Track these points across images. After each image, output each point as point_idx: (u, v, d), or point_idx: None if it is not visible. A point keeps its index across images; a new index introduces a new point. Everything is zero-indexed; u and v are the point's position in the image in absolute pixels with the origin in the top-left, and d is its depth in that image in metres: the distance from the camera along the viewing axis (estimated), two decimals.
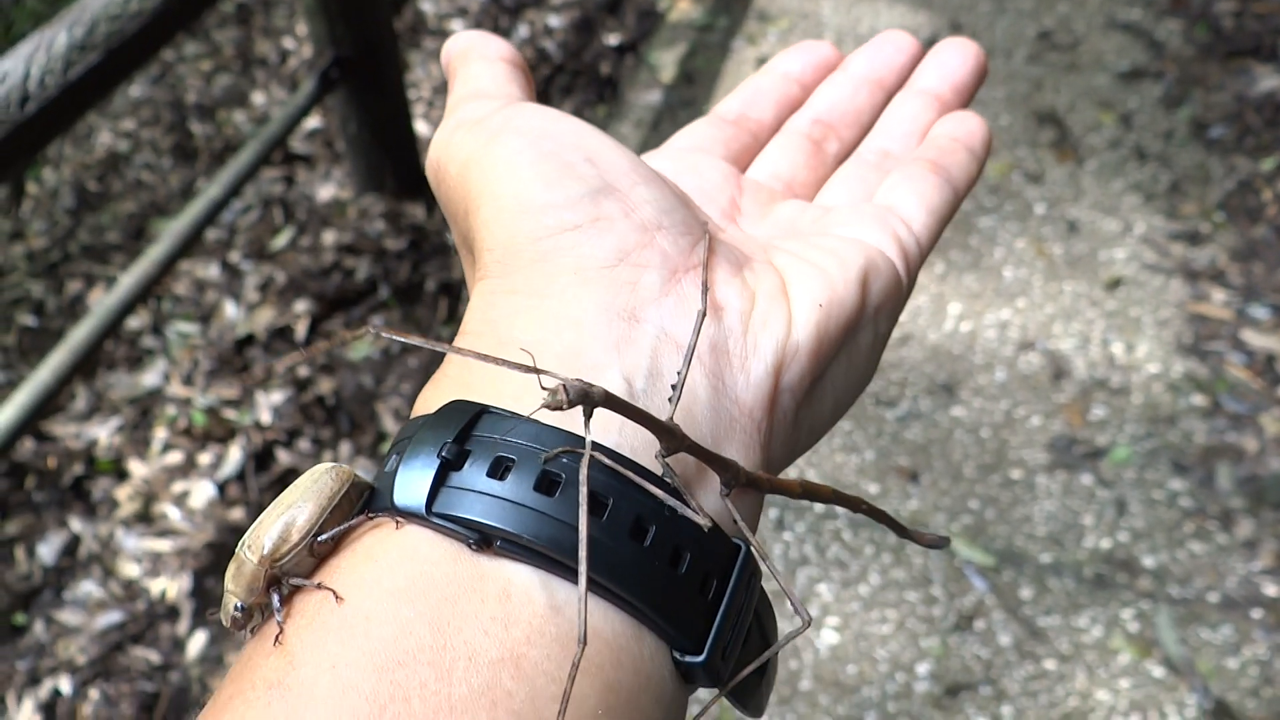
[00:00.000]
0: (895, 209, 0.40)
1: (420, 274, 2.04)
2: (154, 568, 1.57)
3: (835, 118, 0.46)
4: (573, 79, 2.60)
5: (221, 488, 1.66)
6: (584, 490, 0.26)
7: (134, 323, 1.97)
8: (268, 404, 1.78)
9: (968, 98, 0.46)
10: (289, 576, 0.28)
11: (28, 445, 1.75)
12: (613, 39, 2.71)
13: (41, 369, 1.41)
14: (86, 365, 1.48)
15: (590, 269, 0.32)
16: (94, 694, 1.45)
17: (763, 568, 0.32)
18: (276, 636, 0.26)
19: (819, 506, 1.63)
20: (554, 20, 2.78)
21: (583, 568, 0.25)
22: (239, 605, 0.28)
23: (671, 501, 0.28)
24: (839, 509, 1.62)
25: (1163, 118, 2.29)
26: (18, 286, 2.17)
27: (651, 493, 0.28)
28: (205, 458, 1.70)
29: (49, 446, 1.76)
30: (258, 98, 2.63)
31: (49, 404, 1.42)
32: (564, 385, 0.26)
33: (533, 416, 0.28)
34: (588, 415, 0.27)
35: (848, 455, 1.70)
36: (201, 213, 1.64)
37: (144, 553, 1.59)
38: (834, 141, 0.45)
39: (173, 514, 1.63)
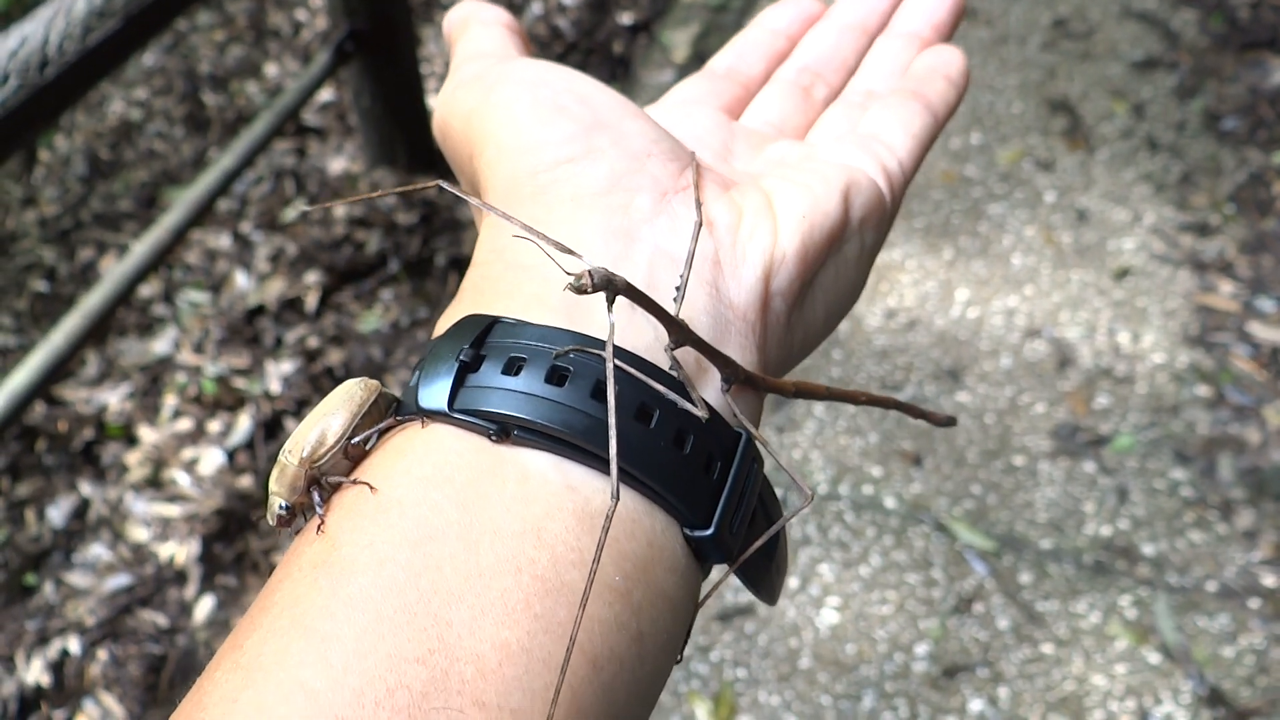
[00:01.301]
0: (878, 135, 0.42)
1: (430, 248, 2.04)
2: (163, 532, 1.59)
3: (821, 65, 0.48)
4: (585, 57, 2.60)
5: (231, 455, 1.68)
6: (610, 365, 0.27)
7: (145, 290, 1.98)
8: (277, 374, 1.79)
9: (948, 34, 0.48)
10: (327, 476, 0.30)
11: (39, 409, 1.77)
12: (626, 18, 2.71)
13: (55, 333, 1.42)
14: (98, 331, 1.49)
15: (586, 196, 0.34)
16: (102, 655, 1.47)
17: (764, 455, 0.34)
18: (319, 526, 0.29)
19: (822, 488, 1.64)
20: None
21: (612, 434, 0.27)
22: (283, 505, 0.31)
23: (672, 395, 0.30)
24: (845, 492, 1.64)
25: (1175, 108, 2.28)
26: (30, 252, 2.18)
27: (653, 386, 0.30)
28: (215, 425, 1.72)
29: (60, 411, 1.78)
30: (270, 69, 2.63)
31: (61, 369, 1.44)
32: (590, 271, 0.28)
33: (540, 323, 0.31)
34: (610, 301, 0.29)
35: (851, 438, 1.71)
36: (214, 182, 1.65)
37: (153, 517, 1.61)
38: (822, 86, 0.47)
39: (182, 480, 1.65)
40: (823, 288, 0.38)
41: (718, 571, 0.33)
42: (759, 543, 0.32)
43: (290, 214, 2.13)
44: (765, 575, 0.34)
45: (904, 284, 1.95)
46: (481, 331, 0.31)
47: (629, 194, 0.35)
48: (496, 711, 0.24)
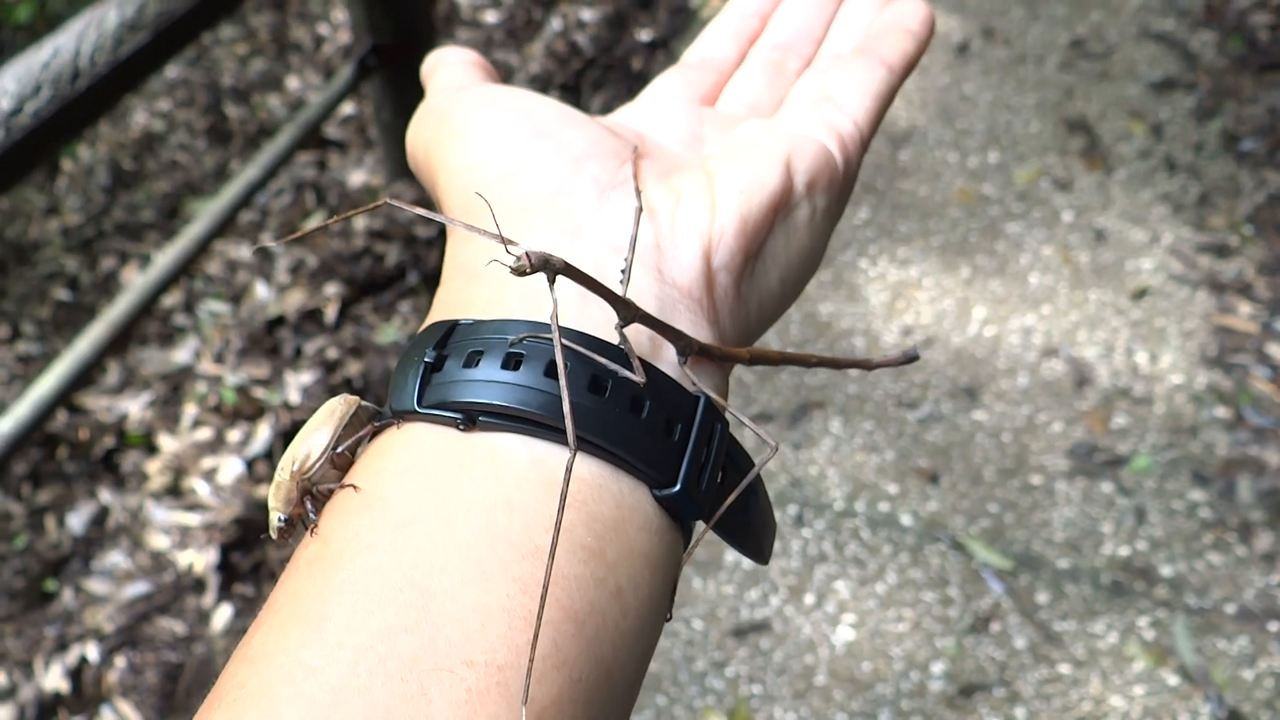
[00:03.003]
0: (834, 97, 0.43)
1: None
2: (182, 540, 1.60)
3: (792, 38, 0.49)
4: (604, 73, 2.62)
5: (250, 465, 1.69)
6: (556, 336, 0.29)
7: (167, 300, 1.99)
8: (296, 384, 1.80)
9: None
10: (318, 486, 0.33)
11: (60, 417, 1.78)
12: (644, 34, 2.72)
13: (80, 342, 1.43)
14: (120, 340, 1.50)
15: (531, 204, 0.37)
16: (120, 662, 1.48)
17: (727, 416, 0.35)
18: (312, 529, 0.31)
19: (838, 504, 1.64)
20: (586, 14, 2.80)
21: (565, 395, 0.29)
22: (281, 517, 0.33)
23: (613, 366, 0.31)
24: (861, 509, 1.63)
25: (1194, 129, 2.28)
26: (53, 261, 2.20)
27: (595, 359, 0.31)
28: (234, 435, 1.73)
29: (81, 419, 1.79)
30: (292, 83, 2.65)
31: (84, 377, 1.45)
32: (527, 253, 0.29)
33: (495, 318, 0.33)
34: (551, 280, 0.30)
35: (868, 455, 1.71)
36: (238, 194, 1.67)
37: (172, 525, 1.61)
38: (794, 60, 0.49)
39: (201, 489, 1.66)
40: (773, 256, 0.39)
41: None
42: (731, 497, 0.34)
43: (311, 226, 2.15)
44: (747, 532, 0.36)
45: (921, 302, 1.95)
46: (444, 335, 0.33)
47: (570, 196, 0.37)
48: (483, 668, 0.26)
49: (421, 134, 0.42)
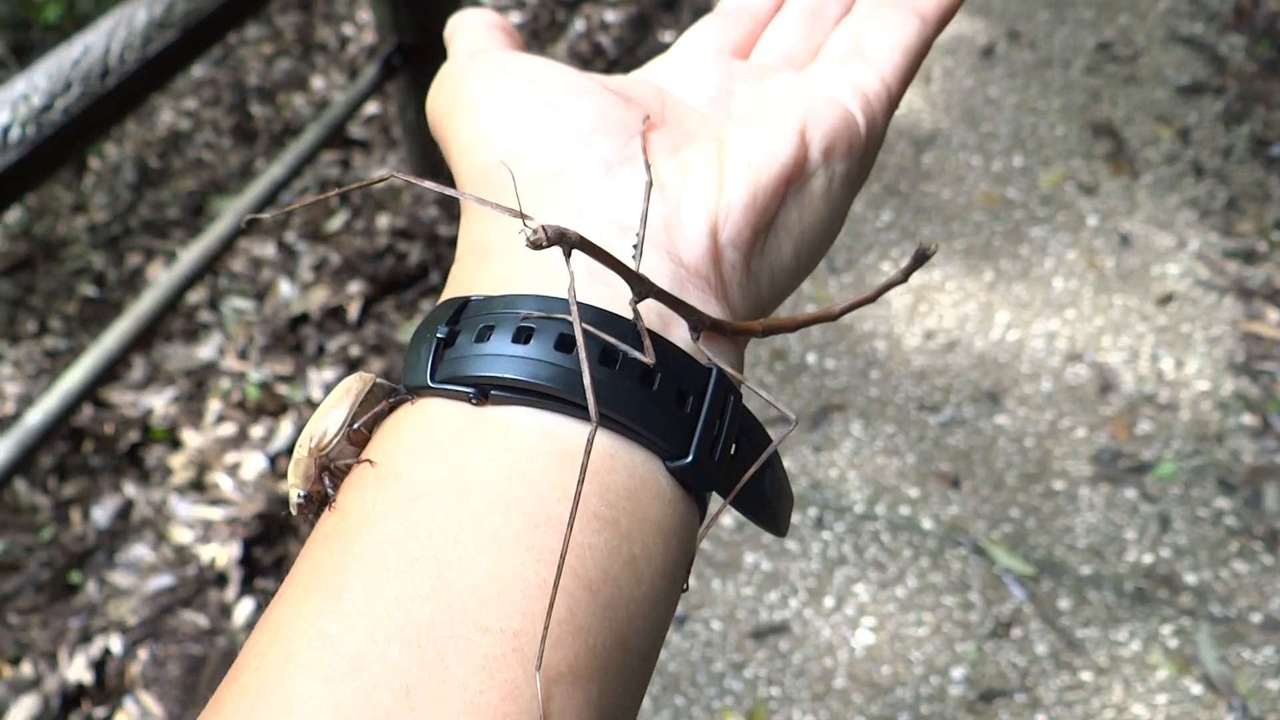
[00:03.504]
0: (863, 51, 0.42)
1: None
2: (205, 534, 1.61)
3: None
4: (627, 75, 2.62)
5: (272, 460, 1.70)
6: (574, 308, 0.29)
7: (192, 297, 2.01)
8: (319, 381, 1.81)
9: None
10: (335, 462, 0.33)
11: (86, 411, 1.80)
12: (668, 36, 2.72)
13: (106, 337, 1.45)
14: (146, 336, 1.52)
15: (539, 182, 0.36)
16: (143, 654, 1.49)
17: (742, 389, 0.36)
18: (330, 503, 0.31)
19: (859, 507, 1.64)
20: (610, 15, 2.80)
21: (584, 366, 0.29)
22: (301, 494, 0.33)
23: (623, 346, 0.31)
24: (882, 512, 1.63)
25: (1222, 134, 2.26)
26: (80, 258, 2.22)
27: (606, 339, 0.31)
28: (257, 430, 1.74)
29: (106, 413, 1.81)
30: (317, 82, 2.67)
31: (110, 372, 1.46)
32: (543, 227, 0.30)
33: (505, 294, 0.33)
34: (567, 255, 0.31)
35: (889, 458, 1.71)
36: (263, 192, 1.68)
37: (195, 520, 1.63)
38: (833, 5, 0.47)
39: (224, 483, 1.67)
40: (786, 228, 0.38)
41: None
42: (751, 470, 0.34)
43: (335, 224, 2.16)
44: (762, 504, 0.36)
45: (944, 305, 1.94)
46: (456, 311, 0.33)
47: (577, 174, 0.36)
48: (499, 635, 0.27)
49: (438, 105, 0.42)
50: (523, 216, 0.30)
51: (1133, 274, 1.97)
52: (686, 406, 0.32)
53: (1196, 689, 1.41)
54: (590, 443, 0.28)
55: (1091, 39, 2.56)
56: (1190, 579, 1.52)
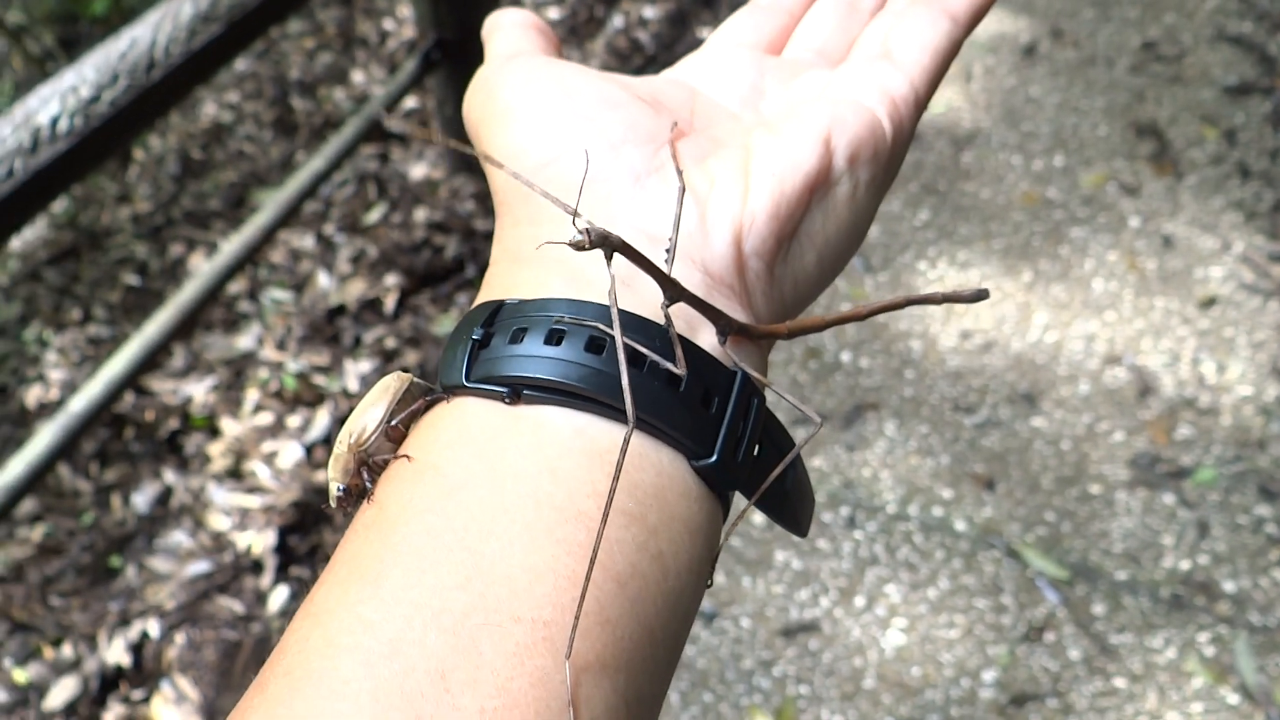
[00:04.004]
0: (891, 52, 0.42)
1: None
2: (241, 522, 1.63)
3: None
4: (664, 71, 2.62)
5: (309, 450, 1.72)
6: (615, 310, 0.31)
7: (232, 287, 2.04)
8: (355, 372, 1.83)
9: None
10: (374, 457, 0.34)
11: (128, 398, 1.83)
12: (705, 32, 2.72)
13: (148, 326, 1.47)
14: (187, 325, 1.54)
15: (570, 191, 0.37)
16: (180, 638, 1.52)
17: (766, 393, 0.36)
18: (369, 496, 0.33)
19: (891, 507, 1.63)
20: (649, 11, 2.80)
21: (623, 367, 0.30)
22: (340, 487, 0.35)
23: (653, 356, 0.32)
24: (914, 513, 1.62)
25: (1270, 135, 2.22)
26: (123, 247, 2.26)
27: (637, 349, 0.32)
28: (294, 420, 1.76)
29: (147, 401, 1.84)
30: (357, 76, 2.69)
31: (151, 360, 1.49)
32: (588, 230, 0.31)
33: (538, 297, 0.34)
34: (608, 258, 0.32)
35: (922, 458, 1.69)
36: (303, 185, 1.70)
37: (233, 507, 1.65)
38: None
39: (261, 472, 1.69)
40: (809, 236, 0.39)
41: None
42: (776, 471, 0.35)
43: (373, 217, 2.18)
44: (784, 504, 0.37)
45: (980, 305, 1.92)
46: (490, 314, 0.34)
47: (607, 183, 0.37)
48: (530, 624, 0.28)
49: (473, 111, 0.43)
50: (575, 213, 0.31)
51: (1175, 276, 1.95)
52: (712, 408, 0.33)
53: (1233, 698, 1.39)
54: (626, 443, 0.29)
55: (1136, 37, 2.52)
56: (1228, 586, 1.50)
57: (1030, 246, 2.03)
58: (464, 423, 0.32)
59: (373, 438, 0.35)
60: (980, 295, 0.39)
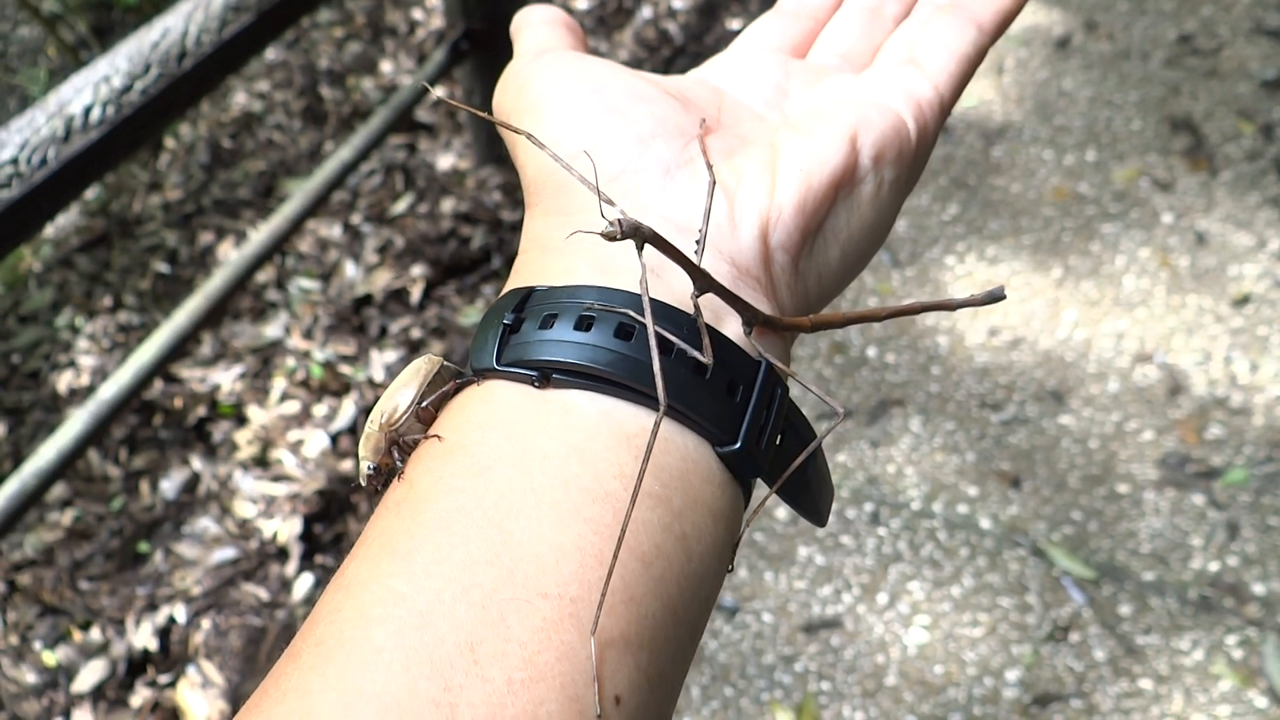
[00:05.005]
0: (917, 58, 0.43)
1: None
2: (268, 510, 1.65)
3: None
4: (693, 62, 2.61)
5: (334, 439, 1.73)
6: (646, 299, 0.31)
7: (260, 276, 2.05)
8: (381, 362, 1.84)
9: None
10: (404, 437, 0.35)
11: (157, 386, 1.85)
12: (735, 23, 2.71)
13: (177, 314, 1.48)
14: (215, 313, 1.55)
15: (601, 183, 0.38)
16: (206, 624, 1.53)
17: (790, 383, 0.37)
18: (399, 475, 0.34)
19: (916, 504, 1.62)
20: (678, 2, 2.79)
21: (655, 354, 0.31)
22: (370, 466, 0.36)
23: (681, 344, 0.33)
24: (939, 510, 1.61)
25: None
26: (154, 235, 2.28)
27: (667, 337, 0.33)
28: (320, 409, 1.77)
29: (175, 388, 1.86)
30: (386, 66, 2.70)
31: (180, 348, 1.50)
32: (620, 220, 0.31)
33: (568, 284, 0.35)
34: (640, 248, 0.32)
35: (948, 455, 1.68)
36: (331, 174, 1.70)
37: (259, 495, 1.66)
38: (892, 4, 0.48)
39: (288, 460, 1.70)
40: (834, 232, 0.40)
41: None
42: (798, 461, 0.36)
43: (399, 207, 2.19)
44: (804, 492, 0.38)
45: (1009, 301, 1.91)
46: (521, 300, 0.35)
47: (637, 175, 0.38)
48: (557, 600, 0.28)
49: (503, 105, 0.44)
50: (608, 201, 0.32)
51: (1208, 274, 1.92)
52: (736, 396, 0.34)
53: (1261, 701, 1.37)
54: (656, 427, 0.30)
55: (1172, 31, 2.49)
56: (1258, 589, 1.48)
57: (1060, 242, 2.01)
58: (494, 405, 0.33)
59: (404, 418, 0.35)
60: (996, 297, 0.40)
